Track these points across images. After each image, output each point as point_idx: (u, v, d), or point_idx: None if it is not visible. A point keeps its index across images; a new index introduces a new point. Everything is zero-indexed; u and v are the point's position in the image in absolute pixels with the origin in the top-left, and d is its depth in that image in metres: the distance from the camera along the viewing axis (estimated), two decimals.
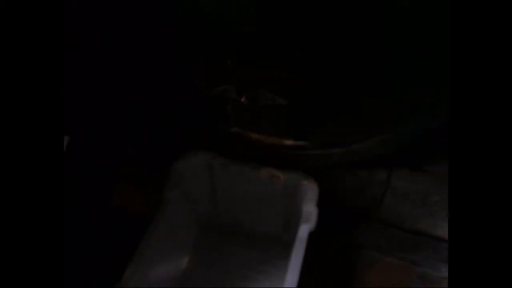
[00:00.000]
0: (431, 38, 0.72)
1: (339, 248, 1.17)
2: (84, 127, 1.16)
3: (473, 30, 0.52)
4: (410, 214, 1.14)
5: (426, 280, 1.12)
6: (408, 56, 0.76)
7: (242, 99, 0.92)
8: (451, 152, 0.53)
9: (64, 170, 0.57)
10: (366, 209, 1.17)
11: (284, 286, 0.89)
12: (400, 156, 0.97)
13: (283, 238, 1.13)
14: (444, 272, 1.12)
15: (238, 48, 0.85)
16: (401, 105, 0.85)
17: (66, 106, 0.58)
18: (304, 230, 0.96)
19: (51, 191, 0.54)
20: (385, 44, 0.76)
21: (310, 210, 0.99)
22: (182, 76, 0.95)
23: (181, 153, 1.08)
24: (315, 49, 0.81)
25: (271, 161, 1.05)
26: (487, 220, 0.50)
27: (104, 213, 1.22)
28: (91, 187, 1.21)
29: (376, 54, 0.78)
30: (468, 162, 0.52)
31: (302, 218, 0.98)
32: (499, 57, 0.51)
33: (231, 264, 1.15)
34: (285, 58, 0.83)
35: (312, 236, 0.96)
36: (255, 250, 1.17)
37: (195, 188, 1.11)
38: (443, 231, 1.14)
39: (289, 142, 1.00)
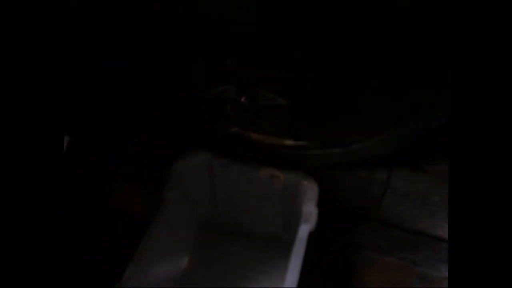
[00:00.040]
0: (431, 38, 0.72)
1: (339, 248, 1.17)
2: (84, 127, 1.16)
3: (473, 30, 0.52)
4: (410, 214, 1.14)
5: (426, 280, 1.12)
6: (408, 56, 0.76)
7: (242, 99, 0.92)
8: (451, 152, 0.53)
9: (64, 170, 0.57)
10: (366, 209, 1.17)
11: (284, 286, 0.89)
12: (400, 156, 0.97)
13: (283, 238, 1.13)
14: (444, 272, 1.12)
15: (238, 48, 0.85)
16: (401, 105, 0.85)
17: (66, 106, 0.58)
18: (304, 230, 0.96)
19: (51, 191, 0.54)
20: (385, 44, 0.76)
21: (310, 210, 0.99)
22: (182, 76, 0.95)
23: (181, 153, 1.08)
24: (315, 49, 0.80)
25: (271, 161, 1.05)
26: (487, 220, 0.50)
27: (104, 213, 1.22)
28: (91, 187, 1.21)
29: (376, 54, 0.78)
30: (468, 162, 0.51)
31: (302, 218, 0.98)
32: (499, 57, 0.51)
33: (231, 264, 1.15)
34: (285, 58, 0.83)
35: (312, 236, 0.96)
36: (255, 250, 1.17)
37: (195, 188, 1.11)
38: (443, 231, 1.14)
39: (289, 142, 1.00)
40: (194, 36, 0.86)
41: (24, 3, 0.54)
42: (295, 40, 0.79)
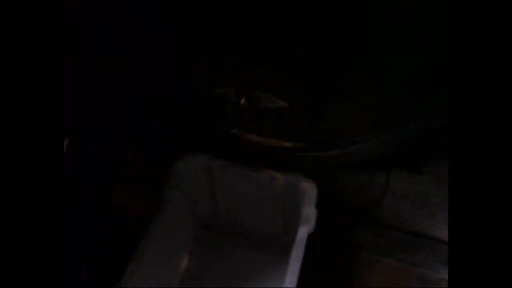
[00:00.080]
0: (431, 38, 0.72)
1: (338, 248, 1.17)
2: (84, 127, 1.16)
3: (473, 30, 0.51)
4: (409, 215, 1.14)
5: (426, 281, 1.12)
6: (408, 56, 0.76)
7: (242, 101, 0.92)
8: (451, 153, 0.53)
9: (64, 170, 0.57)
10: (366, 210, 1.17)
11: (284, 287, 0.89)
12: (399, 158, 0.97)
13: (283, 239, 1.13)
14: (443, 273, 1.12)
15: (238, 48, 0.85)
16: (401, 105, 0.85)
17: (66, 106, 0.58)
18: (303, 231, 0.96)
19: (51, 191, 0.54)
20: (385, 44, 0.76)
21: (309, 212, 0.99)
22: (182, 76, 0.95)
23: (181, 154, 1.08)
24: (315, 49, 0.80)
25: (270, 163, 1.05)
26: (487, 221, 0.50)
27: (104, 213, 1.22)
28: (91, 187, 1.21)
29: (376, 54, 0.78)
30: (468, 163, 0.51)
31: (302, 220, 0.98)
32: (499, 57, 0.51)
33: (231, 264, 1.15)
34: (285, 58, 0.83)
35: (312, 236, 0.96)
36: (255, 251, 1.17)
37: (195, 188, 1.11)
38: (442, 233, 1.14)
39: (288, 143, 1.00)
40: (194, 36, 0.86)
41: (24, 3, 0.54)
42: (295, 40, 0.79)
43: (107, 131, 1.19)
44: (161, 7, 0.81)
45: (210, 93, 0.94)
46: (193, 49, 0.89)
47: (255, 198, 1.11)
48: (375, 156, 0.96)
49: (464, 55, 0.52)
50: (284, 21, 0.77)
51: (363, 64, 0.80)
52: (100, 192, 1.25)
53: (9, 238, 0.51)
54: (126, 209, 1.22)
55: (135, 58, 0.92)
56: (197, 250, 1.18)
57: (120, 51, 0.90)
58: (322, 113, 0.92)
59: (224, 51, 0.86)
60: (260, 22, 0.78)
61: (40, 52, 0.54)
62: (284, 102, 0.91)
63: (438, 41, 0.71)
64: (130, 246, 0.95)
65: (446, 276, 1.11)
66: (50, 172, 0.54)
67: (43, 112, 0.54)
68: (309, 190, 1.02)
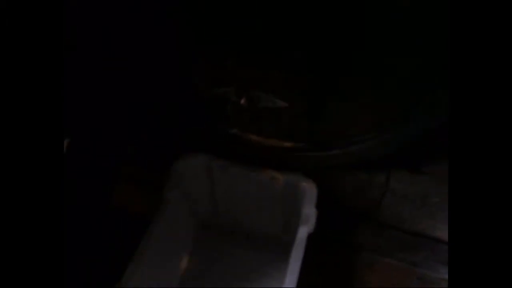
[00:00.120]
0: (431, 38, 0.72)
1: (338, 248, 1.17)
2: (84, 127, 1.16)
3: (473, 30, 0.51)
4: (409, 215, 1.14)
5: (426, 281, 1.12)
6: (408, 56, 0.76)
7: (242, 101, 0.92)
8: (451, 153, 0.53)
9: (64, 170, 0.57)
10: (366, 210, 1.17)
11: (283, 287, 0.89)
12: (399, 158, 0.97)
13: (283, 239, 1.13)
14: (442, 273, 1.12)
15: (238, 48, 0.85)
16: (401, 105, 0.85)
17: (66, 106, 0.58)
18: (303, 231, 0.96)
19: (51, 191, 0.54)
20: (385, 44, 0.76)
21: (309, 212, 0.99)
22: (182, 76, 0.95)
23: (181, 154, 1.08)
24: (315, 49, 0.80)
25: (270, 163, 1.05)
26: (487, 221, 0.50)
27: (104, 213, 1.22)
28: (91, 187, 1.21)
29: (376, 54, 0.78)
30: (468, 163, 0.51)
31: (302, 220, 0.98)
32: (499, 57, 0.51)
33: (231, 264, 1.15)
34: (285, 58, 0.83)
35: (312, 236, 0.96)
36: (255, 251, 1.17)
37: (195, 188, 1.11)
38: (441, 233, 1.14)
39: (288, 143, 1.00)
40: (194, 36, 0.86)
41: (24, 3, 0.54)
42: (295, 40, 0.79)
43: (107, 131, 1.19)
44: (161, 7, 0.81)
45: (210, 93, 0.94)
46: (193, 49, 0.89)
47: (255, 198, 1.11)
48: (375, 156, 0.96)
49: (464, 55, 0.52)
50: (284, 21, 0.77)
51: (363, 64, 0.80)
52: (100, 192, 1.25)
53: (9, 238, 0.51)
54: (126, 209, 1.22)
55: (135, 58, 0.92)
56: (197, 250, 1.18)
57: (120, 51, 0.90)
58: (322, 113, 0.92)
59: (224, 51, 0.86)
60: (260, 22, 0.78)
61: (40, 52, 0.54)
62: (284, 102, 0.91)
63: (438, 41, 0.71)
64: (130, 246, 0.95)
65: (446, 276, 1.11)
66: (50, 172, 0.54)
67: (43, 112, 0.54)
68: (309, 190, 1.02)
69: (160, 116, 1.06)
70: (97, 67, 0.96)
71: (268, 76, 0.88)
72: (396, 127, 0.89)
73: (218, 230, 1.20)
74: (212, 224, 1.20)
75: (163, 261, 1.05)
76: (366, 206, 1.16)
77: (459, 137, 0.52)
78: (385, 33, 0.74)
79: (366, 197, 1.13)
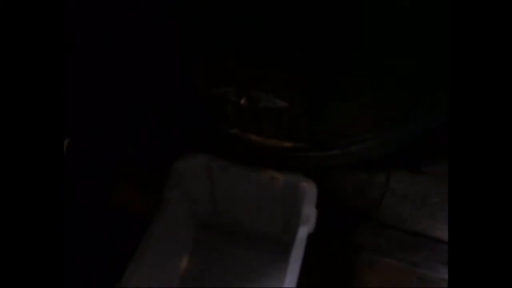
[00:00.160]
0: (431, 38, 0.72)
1: (339, 248, 1.17)
2: (84, 127, 1.16)
3: (473, 30, 0.51)
4: (409, 215, 1.14)
5: (426, 281, 1.12)
6: (408, 56, 0.76)
7: (242, 101, 0.92)
8: (451, 152, 0.53)
9: (64, 170, 0.57)
10: (366, 210, 1.17)
11: (283, 287, 0.89)
12: (399, 158, 0.97)
13: (283, 239, 1.13)
14: (442, 273, 1.12)
15: (238, 48, 0.85)
16: (401, 105, 0.85)
17: (66, 106, 0.58)
18: (303, 232, 0.96)
19: (51, 191, 0.54)
20: (385, 44, 0.76)
21: (309, 212, 0.99)
22: (182, 76, 0.95)
23: (181, 154, 1.08)
24: (315, 49, 0.80)
25: (270, 163, 1.05)
26: (487, 221, 0.50)
27: (104, 213, 1.22)
28: (91, 187, 1.21)
29: (376, 54, 0.78)
30: (468, 163, 0.51)
31: (301, 220, 0.98)
32: (499, 57, 0.51)
33: (231, 264, 1.15)
34: (285, 58, 0.83)
35: (312, 236, 0.96)
36: (255, 251, 1.17)
37: (195, 188, 1.11)
38: (441, 233, 1.14)
39: (288, 143, 1.00)
40: (194, 36, 0.86)
41: (24, 3, 0.54)
42: (295, 40, 0.79)
43: (107, 131, 1.19)
44: (161, 7, 0.81)
45: (210, 93, 0.94)
46: (193, 49, 0.89)
47: (255, 198, 1.11)
48: (375, 156, 0.96)
49: (464, 55, 0.52)
50: (284, 21, 0.77)
51: (363, 64, 0.80)
52: (100, 192, 1.25)
53: (9, 238, 0.51)
54: (126, 209, 1.22)
55: (135, 58, 0.92)
56: (197, 250, 1.18)
57: (120, 51, 0.90)
58: (322, 113, 0.92)
59: (224, 51, 0.86)
60: (260, 22, 0.78)
61: (40, 52, 0.54)
62: (284, 102, 0.91)
63: (438, 41, 0.71)
64: (130, 246, 0.95)
65: (446, 276, 1.11)
66: (50, 172, 0.54)
67: (43, 112, 0.54)
68: (309, 190, 1.02)
69: (160, 116, 1.06)
70: (97, 67, 0.96)
71: (268, 76, 0.88)
72: (396, 127, 0.89)
73: (218, 230, 1.20)
74: (212, 224, 1.20)
75: (163, 261, 1.05)
76: (366, 206, 1.16)
77: (459, 137, 0.52)
78: (385, 33, 0.74)
79: (366, 197, 1.13)
